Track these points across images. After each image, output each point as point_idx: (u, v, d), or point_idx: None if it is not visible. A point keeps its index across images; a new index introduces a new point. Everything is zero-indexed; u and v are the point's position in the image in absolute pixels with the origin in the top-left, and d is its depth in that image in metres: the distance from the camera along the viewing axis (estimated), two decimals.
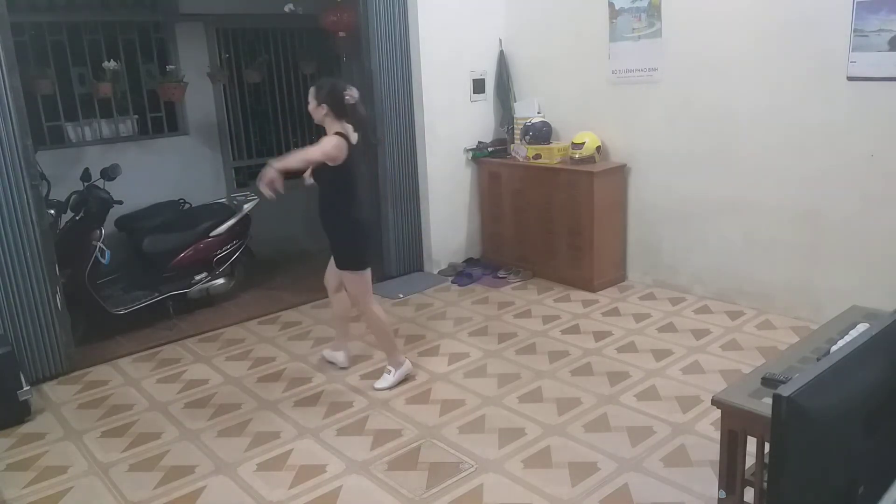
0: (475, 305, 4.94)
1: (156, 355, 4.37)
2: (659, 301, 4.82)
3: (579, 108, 5.30)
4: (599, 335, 4.30)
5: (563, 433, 3.21)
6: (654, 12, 4.69)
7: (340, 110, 3.47)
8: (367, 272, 3.66)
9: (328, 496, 2.84)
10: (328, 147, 3.39)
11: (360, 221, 3.66)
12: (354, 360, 4.13)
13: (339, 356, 4.03)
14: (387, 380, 3.75)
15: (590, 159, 5.05)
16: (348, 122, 3.51)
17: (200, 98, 6.14)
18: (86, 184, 4.64)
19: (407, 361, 3.84)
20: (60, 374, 4.06)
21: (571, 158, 5.09)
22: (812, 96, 4.05)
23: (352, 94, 3.49)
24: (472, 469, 2.97)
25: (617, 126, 5.08)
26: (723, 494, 2.19)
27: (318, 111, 3.48)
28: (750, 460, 2.18)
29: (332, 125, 3.47)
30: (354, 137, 3.52)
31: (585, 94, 5.25)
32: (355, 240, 3.63)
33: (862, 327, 2.37)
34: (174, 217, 5.40)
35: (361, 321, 4.20)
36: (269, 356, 4.26)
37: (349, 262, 3.63)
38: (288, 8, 5.86)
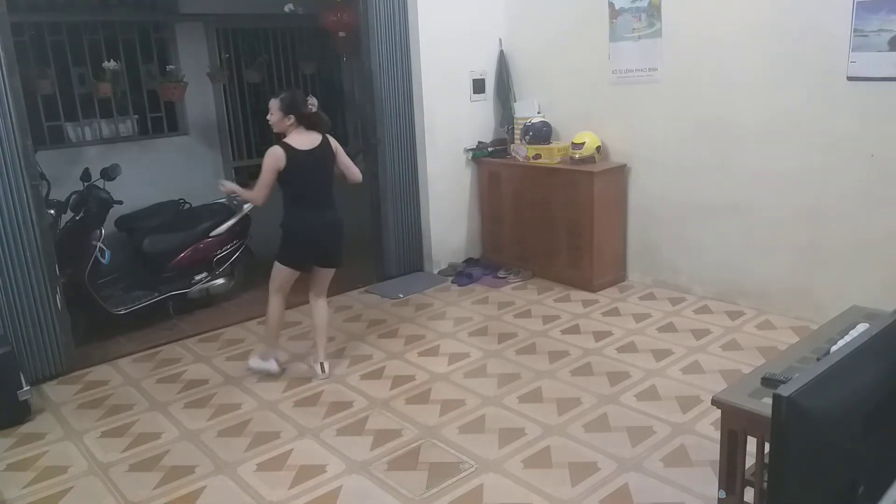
0: (475, 305, 4.94)
1: (156, 355, 4.37)
2: (659, 301, 4.82)
3: (579, 108, 5.30)
4: (599, 335, 4.30)
5: (563, 433, 3.21)
6: (654, 12, 4.69)
7: (304, 119, 3.67)
8: (287, 269, 3.80)
9: (328, 496, 2.84)
10: (265, 162, 3.62)
11: (295, 226, 3.76)
12: (354, 360, 4.13)
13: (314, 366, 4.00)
14: (254, 361, 4.01)
15: (590, 159, 5.05)
16: (313, 130, 3.71)
17: (200, 98, 6.14)
18: (86, 184, 4.64)
19: (273, 362, 3.96)
20: (60, 374, 4.06)
21: (571, 158, 5.09)
22: (812, 96, 4.05)
23: (312, 102, 3.83)
24: (472, 469, 2.97)
25: (617, 126, 5.08)
26: (723, 494, 2.19)
27: (283, 122, 3.65)
28: (750, 460, 2.18)
29: (293, 133, 3.68)
30: (309, 143, 3.67)
31: (585, 94, 5.25)
32: (286, 239, 3.79)
33: (862, 327, 2.37)
34: (174, 217, 5.40)
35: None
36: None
37: (277, 254, 3.83)
38: (288, 8, 5.86)
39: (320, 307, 3.94)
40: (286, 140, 3.64)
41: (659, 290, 4.99)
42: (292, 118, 3.63)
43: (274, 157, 3.58)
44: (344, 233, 3.91)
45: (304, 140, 3.66)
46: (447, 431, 3.27)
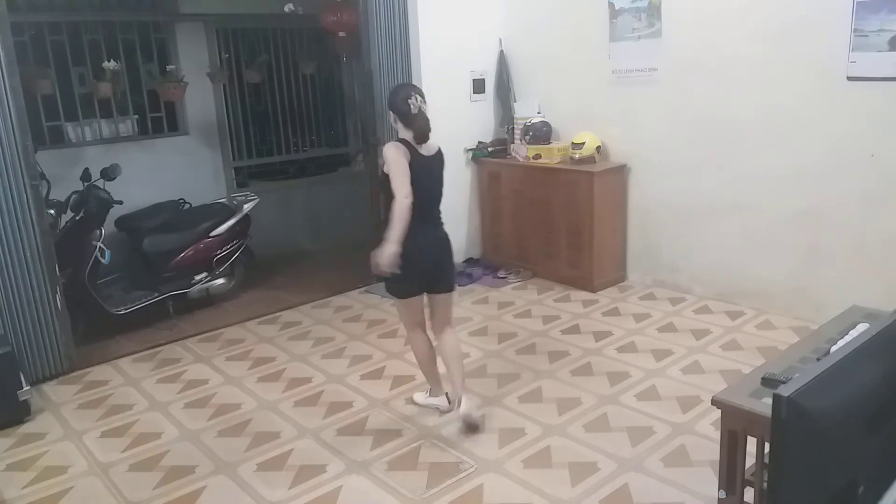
0: (475, 305, 4.94)
1: (156, 355, 4.37)
2: (659, 301, 4.82)
3: (579, 108, 5.30)
4: (599, 335, 4.30)
5: (563, 433, 3.21)
6: (654, 12, 4.69)
7: (405, 119, 3.14)
8: (404, 300, 3.31)
9: (328, 496, 2.84)
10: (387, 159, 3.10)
11: (409, 243, 3.08)
12: (354, 360, 4.13)
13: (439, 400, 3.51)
14: (419, 397, 3.58)
15: (590, 159, 5.05)
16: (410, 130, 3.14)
17: (200, 98, 6.13)
18: (86, 184, 4.64)
19: (444, 398, 3.45)
20: (60, 374, 4.07)
21: (571, 158, 5.08)
22: (812, 96, 4.05)
23: (413, 100, 3.13)
24: (472, 469, 2.97)
25: (617, 126, 5.08)
26: (723, 494, 2.19)
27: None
28: (750, 460, 2.18)
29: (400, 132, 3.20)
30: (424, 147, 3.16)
31: (585, 94, 5.25)
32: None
33: (862, 327, 2.37)
34: (174, 217, 5.40)
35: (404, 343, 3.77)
36: (269, 356, 4.26)
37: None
38: (288, 8, 5.86)
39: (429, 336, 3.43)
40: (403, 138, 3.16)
41: (659, 290, 4.99)
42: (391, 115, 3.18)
43: (392, 156, 3.07)
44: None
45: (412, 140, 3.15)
46: (447, 431, 3.27)
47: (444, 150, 3.30)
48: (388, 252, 3.01)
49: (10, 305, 3.79)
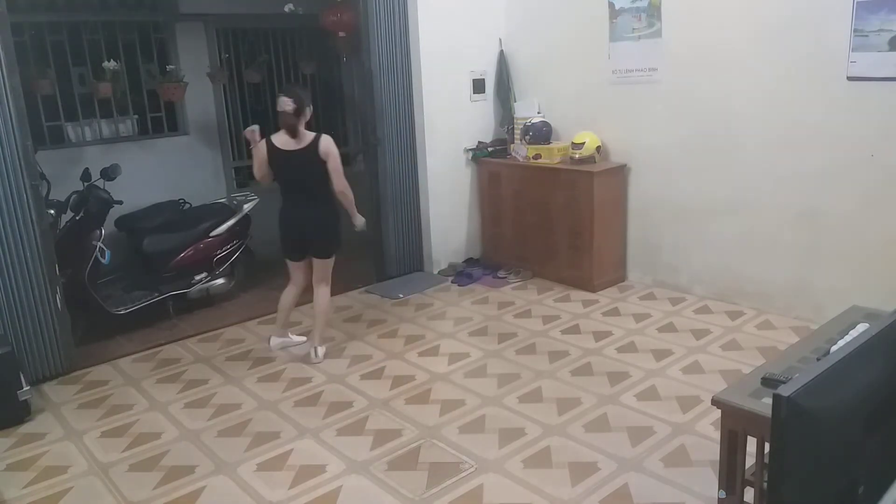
0: (475, 305, 4.94)
1: (156, 355, 4.37)
2: (659, 301, 4.82)
3: (579, 108, 5.30)
4: (599, 335, 4.30)
5: (563, 433, 3.21)
6: (654, 12, 4.69)
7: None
8: (288, 262, 4.18)
9: (328, 496, 2.84)
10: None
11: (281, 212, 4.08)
12: (354, 360, 4.13)
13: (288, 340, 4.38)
14: (273, 342, 4.34)
15: (590, 159, 5.05)
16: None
17: (200, 98, 6.13)
18: (86, 184, 4.65)
19: (289, 336, 4.36)
20: (60, 374, 4.06)
21: (571, 158, 5.08)
22: (812, 96, 4.04)
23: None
24: (472, 469, 2.97)
25: (617, 126, 5.08)
26: (723, 494, 2.19)
27: (304, 117, 3.88)
28: (750, 460, 2.18)
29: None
30: (280, 140, 3.90)
31: (585, 94, 5.25)
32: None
33: (862, 327, 2.37)
34: (174, 217, 5.40)
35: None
36: (269, 356, 4.26)
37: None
38: (288, 8, 5.86)
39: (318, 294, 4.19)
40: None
41: (659, 290, 4.99)
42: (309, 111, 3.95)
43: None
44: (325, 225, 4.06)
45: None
46: (447, 431, 3.27)
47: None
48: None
49: (10, 305, 3.79)
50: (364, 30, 5.13)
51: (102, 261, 4.52)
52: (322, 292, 4.13)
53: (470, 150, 5.65)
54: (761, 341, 4.07)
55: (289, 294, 4.22)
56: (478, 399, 3.58)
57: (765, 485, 1.81)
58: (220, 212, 5.25)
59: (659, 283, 5.07)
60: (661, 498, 2.72)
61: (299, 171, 3.92)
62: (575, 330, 4.41)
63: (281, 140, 3.87)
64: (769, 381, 2.13)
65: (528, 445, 3.13)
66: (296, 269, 4.16)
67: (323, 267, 4.10)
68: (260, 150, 3.91)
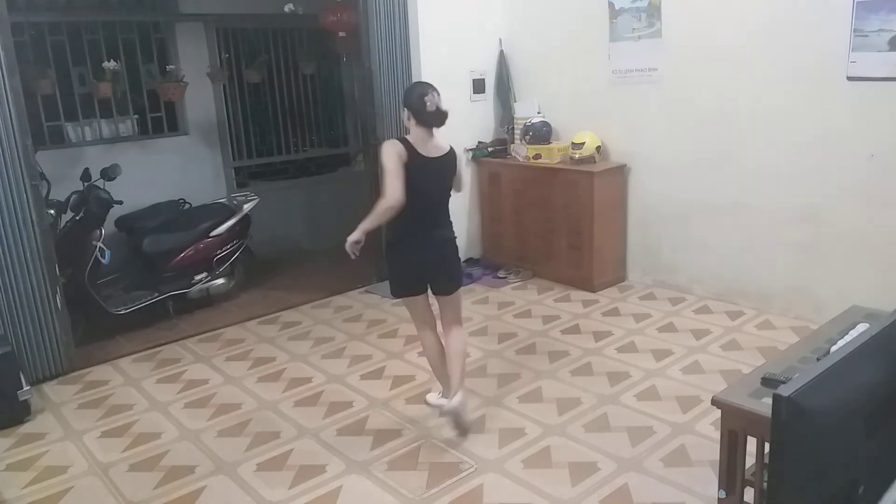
0: (475, 305, 4.94)
1: (156, 355, 4.37)
2: (659, 301, 4.82)
3: (579, 108, 5.29)
4: (599, 335, 4.30)
5: (563, 433, 3.21)
6: (654, 12, 4.69)
7: (417, 116, 3.09)
8: (407, 300, 3.29)
9: (328, 496, 2.84)
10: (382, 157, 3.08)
11: (397, 241, 3.22)
12: (354, 360, 4.13)
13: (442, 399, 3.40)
14: (431, 398, 3.54)
15: (590, 159, 5.04)
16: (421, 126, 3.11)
17: (200, 98, 6.13)
18: (86, 184, 4.64)
19: (456, 398, 3.19)
20: (60, 374, 4.06)
21: (571, 158, 5.08)
22: (812, 96, 4.04)
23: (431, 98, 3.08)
24: (472, 469, 2.97)
25: (617, 126, 5.08)
26: (723, 494, 2.19)
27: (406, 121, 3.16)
28: (750, 460, 2.18)
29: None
30: (426, 146, 3.09)
31: (585, 94, 5.25)
32: (388, 263, 3.31)
33: (862, 327, 2.37)
34: (174, 217, 5.40)
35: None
36: (269, 356, 4.26)
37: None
38: (288, 8, 5.86)
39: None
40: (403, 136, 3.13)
41: (659, 290, 4.99)
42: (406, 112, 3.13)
43: (386, 154, 3.06)
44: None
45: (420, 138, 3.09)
46: (448, 431, 3.27)
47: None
48: (351, 238, 3.10)
49: (10, 305, 3.79)
50: (364, 30, 5.12)
51: (102, 261, 4.52)
52: (461, 332, 3.32)
53: (470, 149, 5.65)
54: (761, 341, 4.07)
55: (434, 342, 3.31)
56: (478, 399, 3.58)
57: (765, 485, 1.81)
58: (220, 212, 5.25)
59: (659, 283, 5.07)
60: (661, 498, 2.72)
61: (439, 184, 3.18)
62: (575, 330, 4.41)
63: (423, 145, 3.07)
64: (769, 381, 2.13)
65: (528, 445, 3.13)
66: (423, 306, 3.28)
67: (459, 302, 3.34)
68: (395, 154, 3.01)
